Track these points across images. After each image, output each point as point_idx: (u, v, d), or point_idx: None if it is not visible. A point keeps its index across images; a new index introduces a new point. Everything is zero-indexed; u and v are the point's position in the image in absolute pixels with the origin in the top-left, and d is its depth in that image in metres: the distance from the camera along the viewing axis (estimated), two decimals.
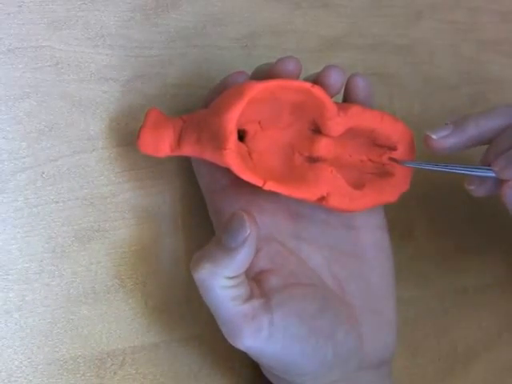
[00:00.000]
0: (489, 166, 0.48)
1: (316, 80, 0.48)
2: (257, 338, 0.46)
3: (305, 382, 0.49)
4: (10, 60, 0.48)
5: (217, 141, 0.45)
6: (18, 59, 0.48)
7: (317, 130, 0.49)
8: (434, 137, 0.49)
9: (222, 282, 0.46)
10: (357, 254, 0.51)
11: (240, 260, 0.45)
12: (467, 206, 0.61)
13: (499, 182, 0.48)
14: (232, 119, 0.45)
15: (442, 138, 0.49)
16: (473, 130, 0.49)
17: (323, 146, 0.49)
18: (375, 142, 0.50)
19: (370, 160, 0.51)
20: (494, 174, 0.48)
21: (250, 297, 0.47)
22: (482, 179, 0.49)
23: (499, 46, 0.65)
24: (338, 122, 0.48)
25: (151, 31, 0.51)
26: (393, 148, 0.50)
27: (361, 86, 0.49)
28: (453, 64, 0.63)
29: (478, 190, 0.49)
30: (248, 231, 0.45)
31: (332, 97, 0.48)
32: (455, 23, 0.63)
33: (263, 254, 0.49)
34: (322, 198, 0.48)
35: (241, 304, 0.46)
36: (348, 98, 0.50)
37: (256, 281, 0.48)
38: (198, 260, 0.46)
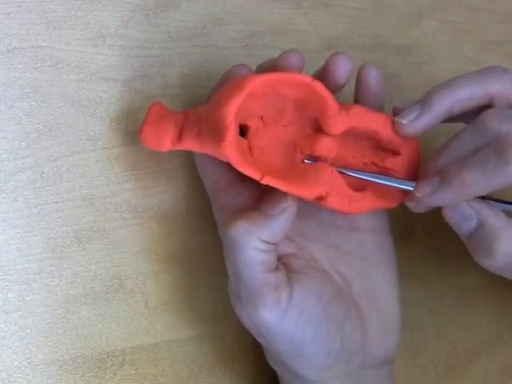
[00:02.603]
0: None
1: (323, 68, 0.48)
2: (273, 310, 0.46)
3: (308, 374, 0.49)
4: (10, 60, 0.48)
5: (216, 133, 0.45)
6: (18, 59, 0.48)
7: (319, 129, 0.49)
8: (404, 122, 0.49)
9: (255, 243, 0.46)
10: (361, 254, 0.52)
11: (276, 226, 0.46)
12: None
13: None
14: (231, 111, 0.45)
15: (413, 121, 0.48)
16: (440, 106, 0.48)
17: (324, 146, 0.49)
18: (378, 146, 0.50)
19: (373, 163, 0.51)
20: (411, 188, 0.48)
21: (275, 268, 0.47)
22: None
23: (500, 46, 0.65)
24: (338, 121, 0.48)
25: (151, 31, 0.51)
26: (396, 152, 0.50)
27: (373, 74, 0.49)
28: (453, 64, 0.63)
29: (417, 207, 0.49)
30: (289, 202, 0.47)
31: (341, 87, 0.48)
32: (456, 23, 0.63)
33: (284, 241, 0.49)
34: (321, 198, 0.48)
35: (267, 272, 0.46)
36: (360, 87, 0.50)
37: (281, 262, 0.49)
38: (234, 219, 0.47)
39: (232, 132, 0.45)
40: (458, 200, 0.47)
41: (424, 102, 0.48)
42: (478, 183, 0.46)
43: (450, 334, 0.62)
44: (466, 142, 0.47)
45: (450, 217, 0.48)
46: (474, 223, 0.47)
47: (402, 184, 0.49)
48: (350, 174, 0.49)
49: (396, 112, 0.49)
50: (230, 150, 0.45)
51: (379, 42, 0.60)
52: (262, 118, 0.48)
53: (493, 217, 0.47)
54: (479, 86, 0.48)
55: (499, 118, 0.47)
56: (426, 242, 0.61)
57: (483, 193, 0.47)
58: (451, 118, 0.49)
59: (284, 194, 0.47)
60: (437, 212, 0.61)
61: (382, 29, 0.60)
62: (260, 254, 0.46)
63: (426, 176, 0.48)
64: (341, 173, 0.49)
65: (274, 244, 0.47)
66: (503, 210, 0.48)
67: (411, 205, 0.49)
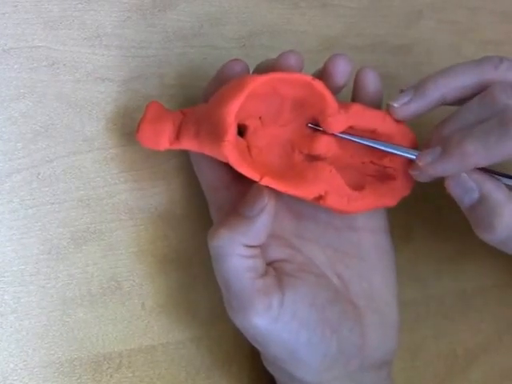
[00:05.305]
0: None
1: (322, 70, 0.48)
2: (265, 316, 0.46)
3: (305, 377, 0.49)
4: (6, 60, 0.47)
5: (216, 133, 0.45)
6: (14, 59, 0.48)
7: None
8: (395, 105, 0.49)
9: (239, 250, 0.46)
10: (360, 255, 0.51)
11: (257, 228, 0.46)
12: None
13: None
14: (232, 111, 0.44)
15: (404, 105, 0.49)
16: (433, 93, 0.49)
17: (323, 145, 0.48)
18: None
19: (372, 162, 0.50)
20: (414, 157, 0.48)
21: (264, 273, 0.47)
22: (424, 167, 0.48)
23: (499, 46, 0.64)
24: (338, 119, 0.48)
25: (148, 31, 0.51)
26: None
27: (371, 78, 0.49)
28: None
29: (420, 176, 0.49)
30: (266, 201, 0.46)
31: (340, 88, 0.48)
32: (455, 23, 0.63)
33: (274, 246, 0.49)
34: (320, 197, 0.48)
35: (255, 278, 0.46)
36: (358, 91, 0.50)
37: (273, 267, 0.49)
38: (215, 228, 0.47)
39: (232, 132, 0.45)
40: (459, 170, 0.47)
41: (417, 87, 0.49)
42: (479, 154, 0.46)
43: (449, 335, 0.62)
44: (471, 113, 0.48)
45: (453, 188, 0.48)
46: (475, 195, 0.47)
47: (405, 152, 0.49)
48: (355, 139, 0.49)
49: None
50: (230, 150, 0.45)
51: (378, 42, 0.60)
52: (260, 117, 0.48)
53: (495, 190, 0.47)
54: (474, 76, 0.49)
55: (508, 93, 0.47)
56: (425, 243, 0.61)
57: (484, 164, 0.47)
58: (446, 103, 0.50)
59: (260, 193, 0.47)
60: (435, 212, 0.61)
61: (380, 29, 0.60)
62: (246, 261, 0.46)
63: (430, 145, 0.48)
64: (344, 138, 0.48)
65: (258, 247, 0.47)
66: (506, 184, 0.48)
67: (414, 173, 0.49)
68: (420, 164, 0.48)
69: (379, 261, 0.52)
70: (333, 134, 0.48)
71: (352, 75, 0.49)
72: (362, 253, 0.51)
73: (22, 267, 0.48)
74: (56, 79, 0.49)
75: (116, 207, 0.50)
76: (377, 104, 0.50)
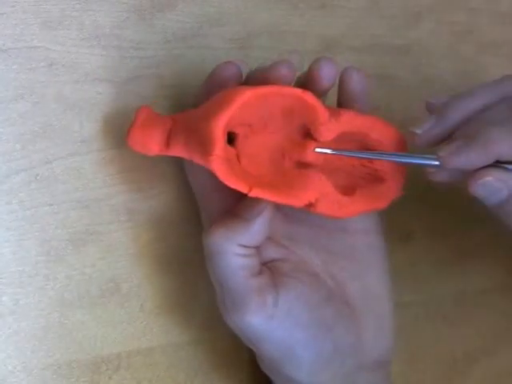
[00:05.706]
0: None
1: (307, 73, 0.48)
2: (259, 314, 0.46)
3: (301, 378, 0.49)
4: (4, 61, 0.47)
5: (204, 146, 0.45)
6: (12, 60, 0.47)
7: (307, 135, 0.49)
8: (418, 131, 0.49)
9: (235, 249, 0.46)
10: (353, 256, 0.52)
11: (255, 229, 0.47)
12: (466, 209, 0.61)
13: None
14: (220, 126, 0.45)
15: (427, 131, 0.49)
16: (456, 116, 0.49)
17: (313, 152, 0.48)
18: (367, 147, 0.50)
19: (362, 165, 0.50)
20: (437, 163, 0.47)
21: (259, 273, 0.47)
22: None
23: (498, 47, 0.64)
24: (329, 128, 0.48)
25: (147, 32, 0.51)
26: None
27: (355, 79, 0.49)
28: (452, 65, 0.63)
29: (437, 175, 0.48)
30: (264, 204, 0.47)
31: (326, 91, 0.48)
32: (454, 24, 0.63)
33: (269, 247, 0.49)
34: (310, 205, 0.48)
35: (249, 276, 0.47)
36: (342, 92, 0.50)
37: (268, 267, 0.49)
38: (213, 227, 0.47)
39: (220, 146, 0.45)
40: (483, 160, 0.46)
41: (439, 112, 0.49)
42: (504, 142, 0.46)
43: (449, 337, 0.62)
44: (497, 113, 0.48)
45: (478, 191, 0.47)
46: (505, 193, 0.47)
47: (422, 159, 0.48)
48: (367, 156, 0.49)
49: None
50: (218, 164, 0.45)
51: (377, 43, 0.60)
52: (250, 125, 0.48)
53: None
54: (495, 95, 0.49)
55: None
56: (424, 246, 0.61)
57: (508, 154, 0.46)
58: None
59: (260, 198, 0.47)
60: (435, 214, 0.60)
61: (380, 29, 0.60)
62: (241, 260, 0.46)
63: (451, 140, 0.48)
64: (346, 155, 0.49)
65: (254, 248, 0.47)
66: None
67: (431, 171, 0.48)
68: (442, 154, 0.47)
69: (373, 262, 0.52)
70: (330, 150, 0.48)
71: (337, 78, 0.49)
72: (355, 254, 0.52)
73: (20, 268, 0.47)
74: (54, 80, 0.48)
75: (115, 208, 0.50)
76: (364, 104, 0.50)
